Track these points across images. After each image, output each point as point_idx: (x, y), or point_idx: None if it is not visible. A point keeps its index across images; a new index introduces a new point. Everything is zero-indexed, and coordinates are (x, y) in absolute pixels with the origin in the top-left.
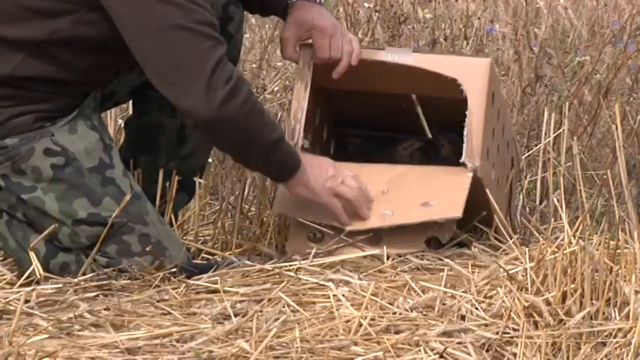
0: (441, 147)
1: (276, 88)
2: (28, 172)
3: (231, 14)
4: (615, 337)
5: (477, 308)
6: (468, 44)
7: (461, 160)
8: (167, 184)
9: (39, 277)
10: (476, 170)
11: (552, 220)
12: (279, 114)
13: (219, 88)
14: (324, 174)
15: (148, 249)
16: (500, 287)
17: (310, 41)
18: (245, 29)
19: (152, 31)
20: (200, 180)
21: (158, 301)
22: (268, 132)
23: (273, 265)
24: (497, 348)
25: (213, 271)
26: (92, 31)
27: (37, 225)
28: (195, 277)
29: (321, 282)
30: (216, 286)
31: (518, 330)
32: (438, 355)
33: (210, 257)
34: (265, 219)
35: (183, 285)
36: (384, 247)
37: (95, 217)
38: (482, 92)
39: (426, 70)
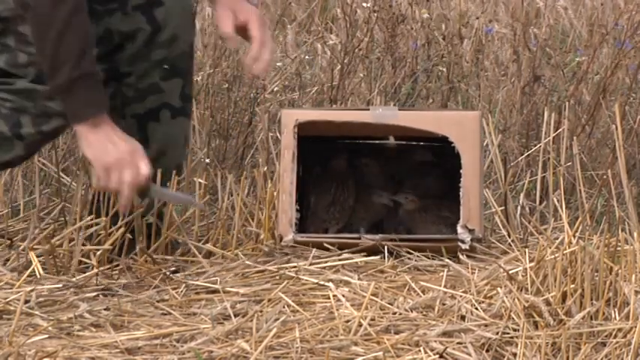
0: (408, 202)
1: (276, 88)
2: None
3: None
4: (615, 337)
5: (476, 308)
6: (463, 44)
7: (459, 225)
8: (167, 184)
9: (39, 277)
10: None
11: (552, 220)
12: (279, 113)
13: None
14: (113, 153)
15: None
16: (500, 287)
17: (294, 109)
18: None
19: None
20: (200, 180)
21: (158, 302)
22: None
23: (273, 266)
24: (497, 348)
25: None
26: None
27: None
28: (195, 277)
29: (321, 282)
30: (216, 286)
31: (518, 330)
32: (438, 355)
33: (210, 257)
34: (264, 219)
35: (183, 285)
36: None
37: None
38: (475, 148)
39: (414, 128)
